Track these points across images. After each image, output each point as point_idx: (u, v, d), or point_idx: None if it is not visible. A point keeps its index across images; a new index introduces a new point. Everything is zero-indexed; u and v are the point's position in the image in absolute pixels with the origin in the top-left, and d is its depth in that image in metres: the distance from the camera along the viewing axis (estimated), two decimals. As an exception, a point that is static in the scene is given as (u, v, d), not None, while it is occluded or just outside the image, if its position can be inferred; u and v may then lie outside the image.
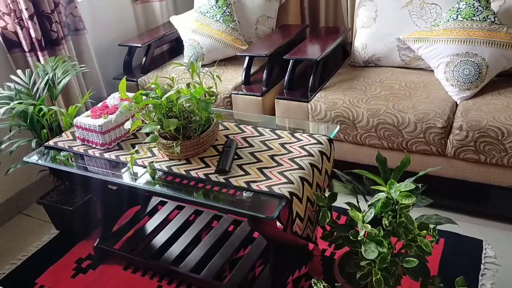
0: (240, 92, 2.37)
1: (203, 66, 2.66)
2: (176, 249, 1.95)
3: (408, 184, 1.38)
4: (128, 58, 2.79)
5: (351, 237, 1.39)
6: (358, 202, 1.55)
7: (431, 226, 1.45)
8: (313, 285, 1.42)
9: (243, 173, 1.50)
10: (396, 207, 1.42)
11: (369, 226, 1.33)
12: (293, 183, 1.42)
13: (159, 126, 1.48)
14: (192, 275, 1.80)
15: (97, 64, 2.63)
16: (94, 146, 1.73)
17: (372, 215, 1.37)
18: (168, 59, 2.94)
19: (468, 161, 1.95)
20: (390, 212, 1.42)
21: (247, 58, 2.45)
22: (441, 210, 2.10)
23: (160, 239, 2.02)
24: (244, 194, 1.42)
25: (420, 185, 1.56)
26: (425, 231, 1.37)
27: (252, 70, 2.53)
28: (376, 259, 1.33)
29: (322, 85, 2.30)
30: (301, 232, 1.50)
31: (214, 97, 1.69)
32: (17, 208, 2.42)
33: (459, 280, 1.41)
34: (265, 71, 2.41)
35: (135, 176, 1.56)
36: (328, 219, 1.47)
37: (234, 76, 2.54)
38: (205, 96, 1.63)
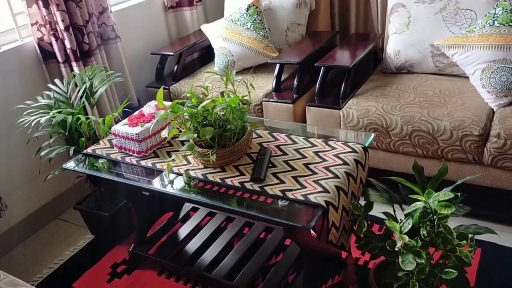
0: (271, 100, 2.38)
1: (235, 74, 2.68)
2: (208, 255, 1.96)
3: (447, 193, 1.37)
4: (160, 66, 2.84)
5: (388, 248, 1.38)
6: (394, 211, 1.53)
7: (470, 235, 1.42)
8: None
9: (278, 181, 1.50)
10: (434, 217, 1.40)
11: (406, 237, 1.32)
12: (329, 192, 1.42)
13: (195, 135, 1.50)
14: (225, 281, 1.81)
15: (128, 72, 2.68)
16: (131, 153, 1.77)
17: (409, 226, 1.36)
18: (199, 66, 2.98)
19: (506, 169, 1.90)
20: (428, 222, 1.40)
21: (278, 65, 2.46)
22: (478, 219, 2.06)
23: (192, 245, 2.04)
24: (279, 202, 1.42)
25: (459, 193, 1.53)
26: (464, 241, 1.35)
27: (283, 78, 2.54)
28: (414, 270, 1.32)
29: (354, 92, 2.29)
30: (336, 241, 1.49)
31: (248, 106, 1.71)
32: (54, 213, 2.49)
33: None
34: (296, 78, 2.41)
35: (171, 183, 1.59)
36: (365, 229, 1.46)
37: (264, 83, 2.55)
38: (239, 105, 1.65)
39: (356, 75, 2.46)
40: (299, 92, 2.40)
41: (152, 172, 1.67)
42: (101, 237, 2.28)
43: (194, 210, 2.28)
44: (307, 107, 2.28)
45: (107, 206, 2.18)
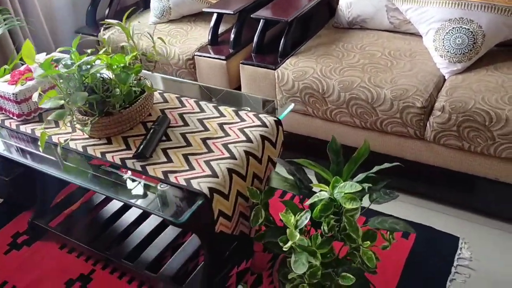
0: (203, 54, 2.10)
1: (171, 21, 2.38)
2: (113, 232, 1.76)
3: (354, 185, 1.14)
4: (91, 8, 2.52)
5: (281, 244, 1.17)
6: (302, 199, 1.31)
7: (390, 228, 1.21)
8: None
9: (166, 160, 1.27)
10: (343, 209, 1.19)
11: (297, 235, 1.11)
12: (217, 177, 1.19)
13: (63, 101, 1.24)
14: (126, 263, 1.62)
15: (44, 17, 2.35)
16: (11, 116, 1.51)
17: (306, 220, 1.15)
18: (140, 10, 2.65)
19: (450, 148, 1.68)
20: (332, 216, 1.19)
21: (214, 14, 2.15)
22: (419, 197, 1.86)
23: (98, 220, 1.83)
24: (158, 187, 1.20)
25: (381, 177, 1.31)
26: (368, 243, 1.14)
27: (223, 29, 2.24)
28: (305, 273, 1.12)
29: (296, 49, 2.01)
30: (231, 230, 1.28)
31: (153, 64, 1.44)
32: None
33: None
34: (233, 30, 2.12)
35: (46, 155, 1.35)
36: (261, 220, 1.25)
37: (202, 34, 2.26)
38: (132, 64, 1.38)
39: (306, 30, 2.17)
40: (236, 47, 2.11)
41: (33, 140, 1.43)
42: (7, 202, 2.07)
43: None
44: (240, 65, 2.01)
45: (10, 170, 1.95)
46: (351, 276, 1.11)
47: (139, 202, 1.18)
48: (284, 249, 1.10)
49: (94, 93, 1.30)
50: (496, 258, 1.60)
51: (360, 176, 1.29)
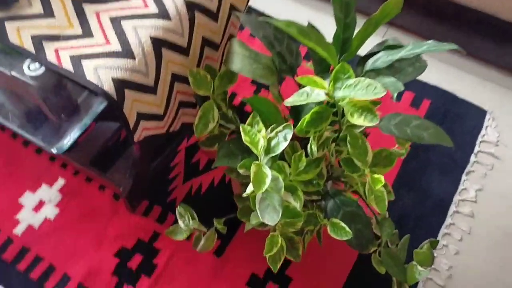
0: None
1: None
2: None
3: (372, 85, 0.63)
4: None
5: (240, 172, 0.71)
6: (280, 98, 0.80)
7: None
8: (177, 215, 0.82)
9: (41, 11, 0.70)
10: (343, 119, 0.71)
11: (267, 173, 0.64)
12: (131, 56, 0.66)
13: None
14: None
15: None
16: None
17: (285, 143, 0.66)
18: None
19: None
20: (329, 126, 0.72)
21: None
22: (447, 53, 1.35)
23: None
24: (25, 68, 0.66)
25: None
26: (379, 182, 0.69)
27: None
28: (277, 224, 0.70)
29: None
30: (165, 129, 0.81)
31: None
32: None
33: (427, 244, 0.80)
34: None
35: None
36: (213, 125, 0.76)
37: None
38: None
39: None
40: None
41: None
42: None
43: None
44: None
45: None
46: (346, 228, 0.70)
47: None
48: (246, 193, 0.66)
49: None
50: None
51: (373, 48, 0.78)
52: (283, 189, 0.64)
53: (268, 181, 0.63)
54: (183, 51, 0.71)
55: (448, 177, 1.14)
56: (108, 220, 1.01)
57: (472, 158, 1.18)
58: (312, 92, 0.66)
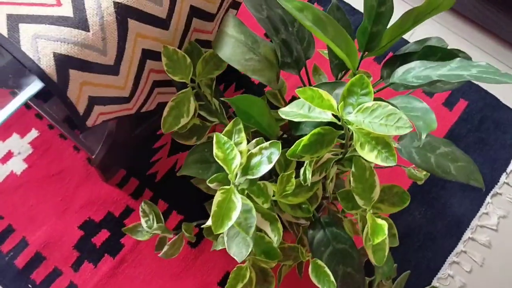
0: None
1: None
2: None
3: (395, 114, 0.47)
4: None
5: (210, 186, 0.57)
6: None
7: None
8: (140, 213, 0.70)
9: None
10: (350, 142, 0.55)
11: (237, 204, 0.50)
12: (85, 27, 0.50)
13: None
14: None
15: None
16: None
17: (267, 167, 0.52)
18: None
19: None
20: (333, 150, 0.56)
21: None
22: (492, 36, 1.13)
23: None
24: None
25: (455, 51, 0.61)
26: (381, 229, 0.54)
27: None
28: (250, 255, 0.57)
29: None
30: (134, 111, 0.66)
31: None
32: None
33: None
34: None
35: None
36: (189, 118, 0.61)
37: None
38: None
39: None
40: None
41: None
42: None
43: None
44: None
45: None
46: (331, 278, 0.56)
47: None
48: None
49: None
50: None
51: (410, 46, 0.61)
52: (253, 228, 0.51)
53: (234, 216, 0.49)
54: (160, 22, 0.55)
55: (469, 196, 0.98)
56: (78, 185, 0.91)
57: (503, 178, 1.02)
58: (315, 108, 0.50)
